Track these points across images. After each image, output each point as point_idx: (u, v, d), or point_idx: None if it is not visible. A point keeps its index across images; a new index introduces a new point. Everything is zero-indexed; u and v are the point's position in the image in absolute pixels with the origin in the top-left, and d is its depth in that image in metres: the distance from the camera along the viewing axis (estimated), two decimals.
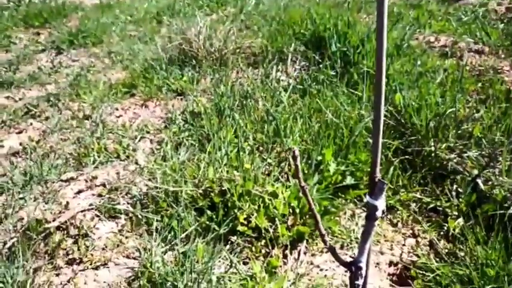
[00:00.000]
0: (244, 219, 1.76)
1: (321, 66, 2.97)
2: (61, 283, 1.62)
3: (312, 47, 3.27)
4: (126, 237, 1.81)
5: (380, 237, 1.79)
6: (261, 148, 2.26)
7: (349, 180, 1.98)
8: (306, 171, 1.99)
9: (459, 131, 2.09)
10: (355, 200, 1.98)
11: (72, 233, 1.82)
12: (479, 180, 1.87)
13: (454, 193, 1.89)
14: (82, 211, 1.93)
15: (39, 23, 5.41)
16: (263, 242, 1.73)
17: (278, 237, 1.73)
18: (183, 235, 1.74)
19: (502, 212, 1.67)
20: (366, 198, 0.99)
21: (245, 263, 1.68)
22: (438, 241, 1.74)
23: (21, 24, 5.41)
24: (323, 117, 2.36)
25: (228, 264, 1.65)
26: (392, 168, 2.01)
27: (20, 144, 2.64)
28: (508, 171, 1.83)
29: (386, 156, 2.09)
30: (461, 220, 1.77)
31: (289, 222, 1.78)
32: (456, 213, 1.83)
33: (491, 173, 1.87)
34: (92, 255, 1.72)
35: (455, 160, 2.01)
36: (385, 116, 2.24)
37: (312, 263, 1.68)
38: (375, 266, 1.67)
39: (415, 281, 1.57)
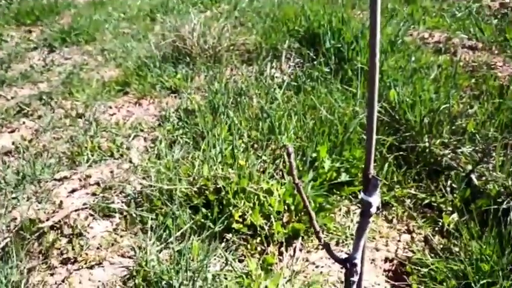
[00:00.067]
0: (239, 216, 1.76)
1: (315, 62, 2.97)
2: (56, 283, 1.61)
3: (306, 44, 3.27)
4: (121, 236, 1.80)
5: (375, 234, 1.79)
6: (255, 145, 2.25)
7: (344, 177, 1.99)
8: (301, 168, 1.99)
9: (453, 127, 2.10)
10: (350, 196, 1.98)
11: (66, 233, 1.80)
12: (473, 176, 1.87)
13: (448, 189, 1.90)
14: (75, 210, 1.92)
15: (31, 21, 5.34)
16: (258, 239, 1.73)
17: (273, 234, 1.72)
18: (178, 233, 1.73)
19: (495, 207, 1.68)
20: (361, 195, 0.98)
21: (240, 261, 1.67)
22: (433, 237, 1.74)
23: (13, 22, 5.35)
24: (318, 114, 2.35)
25: (223, 262, 1.65)
26: (386, 165, 2.01)
27: (13, 143, 2.61)
28: (502, 166, 1.84)
29: (380, 153, 2.09)
30: (455, 215, 1.78)
31: (285, 219, 1.78)
32: (450, 208, 1.83)
33: (485, 169, 1.88)
34: (86, 254, 1.71)
35: (449, 156, 2.01)
36: (379, 112, 2.25)
37: (307, 260, 1.68)
38: (371, 263, 1.67)
39: (410, 276, 1.58)
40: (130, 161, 2.29)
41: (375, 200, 0.97)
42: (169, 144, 2.37)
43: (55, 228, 1.84)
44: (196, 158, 2.08)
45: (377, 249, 1.72)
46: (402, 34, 3.10)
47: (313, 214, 1.05)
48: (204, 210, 1.81)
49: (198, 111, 2.59)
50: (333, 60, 2.91)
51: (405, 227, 1.83)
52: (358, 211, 1.89)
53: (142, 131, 2.63)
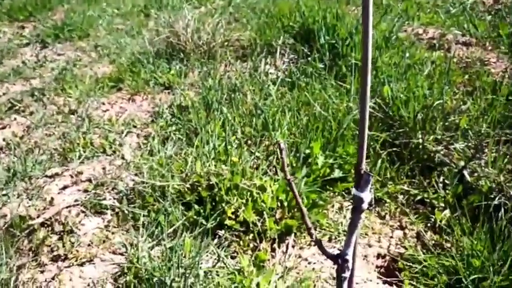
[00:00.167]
0: (232, 213, 1.75)
1: (309, 59, 2.96)
2: (46, 280, 1.60)
3: (301, 40, 3.25)
4: (112, 233, 1.79)
5: (367, 230, 1.79)
6: (249, 142, 2.24)
7: (337, 173, 1.98)
8: (294, 165, 1.99)
9: (446, 123, 2.10)
10: (343, 192, 1.98)
11: (57, 230, 1.79)
12: (465, 172, 1.88)
13: (440, 185, 1.90)
14: (67, 207, 1.90)
15: (23, 17, 5.29)
16: (251, 235, 1.72)
17: (266, 230, 1.72)
18: (170, 230, 1.72)
19: (487, 203, 1.69)
20: (353, 191, 0.98)
21: (233, 257, 1.67)
22: (425, 233, 1.74)
23: (5, 18, 5.29)
24: (311, 110, 2.35)
25: (215, 259, 1.64)
26: (380, 161, 2.01)
27: (4, 139, 2.58)
28: (494, 162, 1.84)
29: (374, 149, 2.09)
30: (447, 211, 1.78)
31: (277, 216, 1.77)
32: (443, 204, 1.84)
33: (477, 165, 1.88)
34: (77, 251, 1.70)
35: (442, 152, 2.01)
36: (373, 108, 2.24)
37: (300, 256, 1.68)
38: (363, 259, 1.67)
39: (402, 272, 1.58)
40: (123, 158, 2.27)
41: (367, 195, 0.96)
42: (162, 141, 2.36)
43: (46, 225, 1.82)
44: (189, 154, 2.06)
45: (370, 246, 1.72)
46: (396, 30, 3.10)
47: (305, 210, 1.05)
48: (196, 206, 1.80)
49: (192, 107, 2.57)
50: (327, 56, 2.90)
51: (398, 223, 1.83)
52: (351, 207, 1.88)
53: (135, 127, 2.61)
